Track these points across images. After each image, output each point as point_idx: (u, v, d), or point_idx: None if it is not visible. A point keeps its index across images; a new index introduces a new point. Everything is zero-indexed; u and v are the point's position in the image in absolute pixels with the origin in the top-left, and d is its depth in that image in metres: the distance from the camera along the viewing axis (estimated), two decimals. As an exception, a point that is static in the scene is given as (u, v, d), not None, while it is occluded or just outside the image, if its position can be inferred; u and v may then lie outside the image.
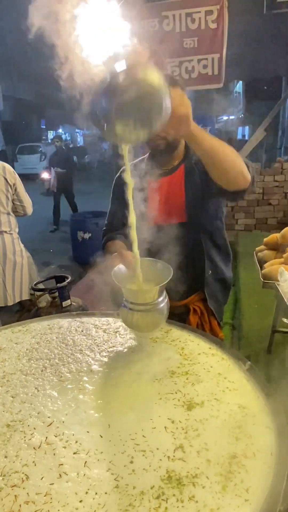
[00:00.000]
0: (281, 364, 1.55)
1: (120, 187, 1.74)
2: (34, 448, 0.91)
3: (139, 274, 1.22)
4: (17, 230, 2.78)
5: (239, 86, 17.48)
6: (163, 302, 1.22)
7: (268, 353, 2.38)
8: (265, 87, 11.96)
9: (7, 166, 2.68)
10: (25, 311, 2.77)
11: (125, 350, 1.32)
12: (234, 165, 1.30)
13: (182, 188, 1.62)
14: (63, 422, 0.99)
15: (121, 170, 1.67)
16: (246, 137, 13.60)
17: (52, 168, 8.21)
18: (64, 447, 0.91)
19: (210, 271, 1.67)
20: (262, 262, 2.17)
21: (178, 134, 1.17)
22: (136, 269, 1.22)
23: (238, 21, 4.97)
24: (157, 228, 1.61)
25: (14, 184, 2.69)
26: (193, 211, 1.60)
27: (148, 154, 1.72)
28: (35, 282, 2.60)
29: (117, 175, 1.79)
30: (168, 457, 0.88)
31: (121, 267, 1.26)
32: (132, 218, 1.17)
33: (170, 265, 1.57)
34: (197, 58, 5.02)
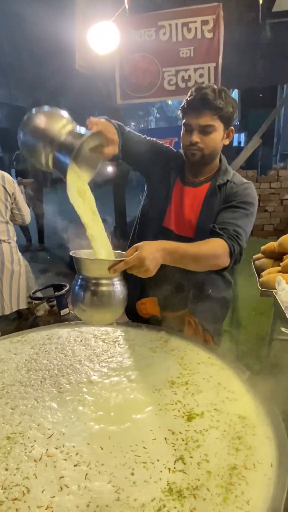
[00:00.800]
0: (279, 372, 1.55)
1: (154, 152, 1.72)
2: (34, 460, 0.91)
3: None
4: (15, 238, 2.78)
5: (234, 94, 17.63)
6: (117, 285, 1.19)
7: (266, 361, 2.39)
8: (261, 95, 12.08)
9: (7, 175, 2.69)
10: (22, 319, 2.77)
11: (124, 360, 1.32)
12: (207, 261, 1.39)
13: (200, 206, 1.59)
14: (64, 434, 0.98)
15: (162, 144, 1.69)
16: (242, 144, 13.68)
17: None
18: (65, 459, 0.91)
19: (210, 290, 1.66)
20: (259, 270, 2.18)
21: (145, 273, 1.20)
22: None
23: (233, 31, 5.03)
24: (168, 232, 1.61)
25: (13, 194, 2.70)
26: (202, 231, 1.55)
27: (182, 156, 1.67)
28: (33, 291, 2.60)
29: (155, 142, 1.74)
30: (169, 468, 0.88)
31: (82, 251, 1.27)
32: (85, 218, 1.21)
33: (171, 275, 1.57)
34: (193, 67, 5.08)
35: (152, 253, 1.18)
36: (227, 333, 3.28)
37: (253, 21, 5.41)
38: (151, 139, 1.72)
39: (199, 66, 5.08)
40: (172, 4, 5.04)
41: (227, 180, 1.58)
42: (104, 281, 1.17)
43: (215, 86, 1.49)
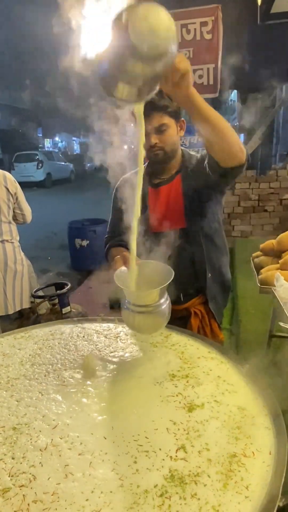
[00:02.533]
0: (279, 369, 1.58)
1: (121, 195, 1.78)
2: (40, 449, 0.93)
3: (133, 273, 1.25)
4: (18, 238, 2.81)
5: (234, 95, 17.67)
6: (164, 304, 1.24)
7: (266, 358, 2.41)
8: (260, 96, 12.11)
9: (8, 175, 2.72)
10: (24, 318, 2.80)
11: (126, 354, 1.35)
12: (233, 134, 1.33)
13: (180, 195, 1.67)
14: (68, 424, 1.01)
15: (121, 179, 1.71)
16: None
17: None
18: (70, 449, 0.93)
19: (210, 274, 1.71)
20: (258, 268, 2.21)
21: (179, 92, 1.15)
22: (130, 269, 1.25)
23: (232, 32, 5.06)
24: (158, 235, 1.65)
25: (15, 193, 2.73)
26: (192, 216, 1.65)
27: (146, 164, 1.77)
28: (34, 289, 2.63)
29: (117, 183, 1.83)
30: (171, 457, 0.91)
31: (123, 269, 1.29)
32: (136, 217, 1.20)
33: (172, 271, 1.60)
34: (192, 68, 5.08)
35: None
36: (227, 331, 3.31)
37: (252, 22, 5.44)
38: (113, 194, 1.80)
39: (198, 67, 5.12)
40: (171, 6, 5.06)
41: (195, 161, 1.67)
42: (152, 306, 1.21)
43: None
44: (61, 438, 0.97)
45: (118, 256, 1.35)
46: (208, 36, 5.03)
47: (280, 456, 0.90)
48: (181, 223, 1.66)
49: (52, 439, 0.96)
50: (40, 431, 0.99)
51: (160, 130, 1.57)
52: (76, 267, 5.91)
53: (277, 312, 1.89)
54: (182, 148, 1.75)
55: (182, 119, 1.66)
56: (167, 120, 1.57)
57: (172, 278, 1.20)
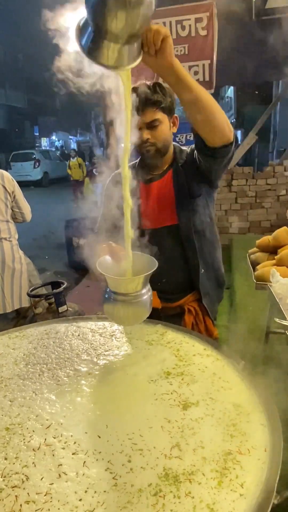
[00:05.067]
0: (276, 365, 1.58)
1: (112, 189, 1.77)
2: (33, 449, 0.92)
3: (129, 259, 1.24)
4: (16, 237, 2.79)
5: (230, 91, 17.65)
6: (146, 295, 1.22)
7: (263, 355, 2.41)
8: (256, 92, 12.09)
9: (6, 173, 2.70)
10: (21, 317, 2.79)
11: (121, 353, 1.34)
12: (219, 109, 1.32)
13: (172, 190, 1.66)
14: (62, 424, 1.00)
15: (113, 173, 1.70)
16: (239, 141, 13.72)
17: None
18: (63, 448, 0.92)
19: (203, 270, 1.70)
20: (255, 264, 2.20)
21: (162, 60, 1.13)
22: (127, 261, 1.24)
23: (227, 28, 5.03)
24: (150, 232, 1.64)
25: (13, 192, 2.71)
26: (184, 211, 1.64)
27: (138, 160, 1.76)
28: (31, 288, 2.61)
29: (109, 178, 1.81)
30: (165, 455, 0.90)
31: (107, 257, 1.28)
32: (127, 213, 1.19)
33: (166, 267, 1.59)
34: (188, 64, 5.08)
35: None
36: (224, 328, 3.31)
37: (247, 18, 5.42)
38: (104, 192, 1.77)
39: (193, 63, 5.09)
40: (165, 2, 5.04)
41: (186, 156, 1.67)
42: (132, 295, 1.19)
43: (148, 83, 1.55)
44: (54, 438, 0.96)
45: (104, 245, 1.34)
46: (203, 32, 5.00)
47: (275, 453, 0.89)
48: (172, 219, 1.65)
49: (45, 439, 0.95)
50: (33, 431, 0.98)
51: (152, 125, 1.56)
52: (73, 266, 5.90)
53: (273, 308, 1.89)
54: (174, 144, 1.74)
55: (175, 115, 1.65)
56: (160, 115, 1.56)
57: (155, 269, 1.18)
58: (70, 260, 6.11)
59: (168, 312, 1.70)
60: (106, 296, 1.23)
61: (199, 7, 4.94)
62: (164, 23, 4.99)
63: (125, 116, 1.10)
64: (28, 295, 2.57)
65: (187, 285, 1.71)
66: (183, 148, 1.74)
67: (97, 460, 0.89)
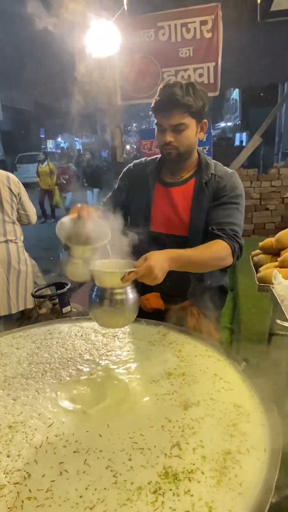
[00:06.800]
0: (277, 367, 1.58)
1: (126, 179, 1.78)
2: (35, 447, 0.94)
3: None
4: (22, 238, 2.82)
5: (235, 93, 17.64)
6: (125, 293, 1.22)
7: (266, 356, 2.40)
8: (261, 94, 12.08)
9: (12, 176, 2.73)
10: (25, 318, 2.81)
11: (124, 353, 1.35)
12: (212, 263, 1.48)
13: (189, 204, 1.61)
14: (64, 422, 1.02)
15: (133, 163, 1.70)
16: (244, 143, 13.69)
17: None
18: (65, 446, 0.94)
19: (209, 281, 1.69)
20: (258, 266, 2.21)
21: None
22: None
23: (232, 30, 5.06)
24: (157, 235, 1.64)
25: (18, 194, 2.74)
26: (196, 228, 1.60)
27: (159, 158, 1.72)
28: (35, 289, 2.63)
29: (126, 168, 1.80)
30: (165, 454, 0.91)
31: (68, 218, 1.33)
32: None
33: (170, 272, 1.60)
34: (192, 67, 5.11)
35: (159, 262, 1.23)
36: (228, 330, 3.31)
37: (251, 20, 5.43)
38: (122, 173, 1.82)
39: (198, 66, 5.12)
40: (170, 5, 5.07)
41: (211, 174, 1.60)
42: (117, 291, 1.21)
43: (182, 83, 1.48)
44: (56, 436, 0.97)
45: (79, 204, 1.38)
46: (208, 35, 5.02)
47: (274, 453, 0.90)
48: (183, 231, 1.62)
49: (47, 437, 0.97)
50: (35, 429, 1.00)
51: (178, 129, 1.48)
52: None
53: (275, 310, 1.89)
54: (200, 150, 1.67)
55: (205, 121, 1.57)
56: (188, 120, 1.48)
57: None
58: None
59: (172, 313, 1.71)
60: (91, 292, 1.25)
61: (204, 10, 4.96)
62: (169, 26, 5.01)
63: None
64: (33, 295, 2.59)
65: (190, 290, 1.71)
66: (210, 161, 1.65)
67: (98, 458, 0.90)
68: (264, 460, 0.89)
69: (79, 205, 1.38)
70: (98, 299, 1.21)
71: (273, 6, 5.12)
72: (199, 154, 1.66)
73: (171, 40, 5.07)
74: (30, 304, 2.79)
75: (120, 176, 1.81)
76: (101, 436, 0.97)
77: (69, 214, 1.38)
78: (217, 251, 1.45)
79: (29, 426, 1.01)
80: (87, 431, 0.98)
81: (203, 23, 5.01)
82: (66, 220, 1.35)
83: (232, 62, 5.51)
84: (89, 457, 0.90)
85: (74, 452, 0.92)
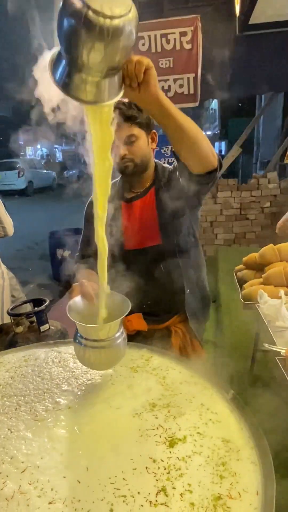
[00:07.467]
0: (263, 386, 1.53)
1: (90, 215, 1.71)
2: (6, 499, 0.84)
3: (102, 306, 1.16)
4: None
5: (214, 103, 17.91)
6: (119, 338, 1.14)
7: (251, 372, 2.37)
8: (240, 105, 12.29)
9: None
10: (3, 334, 2.68)
11: (104, 382, 1.27)
12: (203, 137, 1.27)
13: (154, 209, 1.62)
14: (38, 467, 0.93)
15: (89, 199, 1.65)
16: (223, 152, 13.87)
17: None
18: (39, 496, 0.85)
19: (189, 290, 1.65)
20: (241, 282, 2.17)
21: (146, 93, 1.04)
22: (100, 303, 1.16)
23: (212, 42, 5.09)
24: (133, 252, 1.59)
25: None
26: (167, 232, 1.60)
27: (119, 177, 1.71)
28: (11, 307, 2.52)
29: (87, 204, 1.76)
30: (150, 501, 0.83)
31: (77, 299, 1.21)
32: (103, 254, 1.09)
33: (151, 289, 1.53)
34: (173, 77, 5.12)
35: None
36: (211, 344, 3.26)
37: (231, 32, 5.48)
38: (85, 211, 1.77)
39: (178, 76, 5.14)
40: (150, 16, 5.07)
41: (168, 173, 1.63)
42: (102, 343, 1.12)
43: (124, 100, 1.47)
44: (30, 484, 0.88)
45: (76, 284, 1.27)
46: (188, 46, 5.05)
47: (267, 498, 0.83)
48: (156, 239, 1.60)
49: (20, 486, 0.87)
50: (7, 476, 0.90)
51: (129, 141, 1.53)
52: (57, 278, 5.79)
53: (260, 329, 1.85)
54: (156, 161, 1.70)
55: (154, 130, 1.62)
56: (136, 131, 1.53)
57: (128, 312, 1.12)
58: (54, 272, 5.99)
59: (155, 334, 1.64)
60: (77, 340, 1.16)
61: (184, 21, 4.99)
62: (149, 36, 5.02)
63: (101, 149, 1.02)
64: (8, 313, 2.47)
65: (172, 306, 1.67)
66: (165, 165, 1.69)
67: (76, 510, 0.81)
68: (257, 506, 0.82)
69: (75, 284, 1.29)
70: (84, 346, 1.13)
71: (251, 19, 5.19)
72: (155, 165, 1.68)
73: (151, 51, 5.07)
74: (7, 319, 2.67)
75: (84, 215, 1.79)
76: (79, 482, 0.88)
77: (71, 295, 1.28)
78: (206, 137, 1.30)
79: (0, 473, 0.91)
80: (64, 477, 0.90)
81: (183, 34, 5.05)
82: (74, 301, 1.21)
83: (212, 74, 5.55)
84: (66, 508, 0.82)
85: (50, 503, 0.83)
